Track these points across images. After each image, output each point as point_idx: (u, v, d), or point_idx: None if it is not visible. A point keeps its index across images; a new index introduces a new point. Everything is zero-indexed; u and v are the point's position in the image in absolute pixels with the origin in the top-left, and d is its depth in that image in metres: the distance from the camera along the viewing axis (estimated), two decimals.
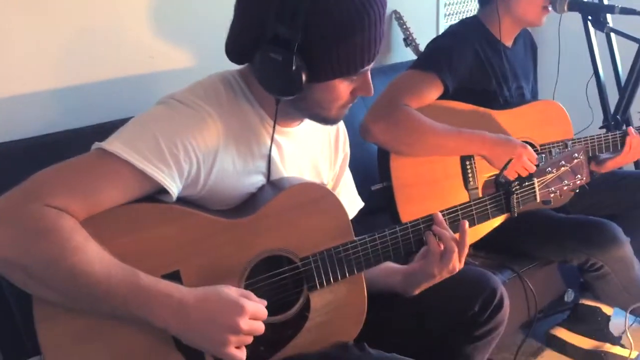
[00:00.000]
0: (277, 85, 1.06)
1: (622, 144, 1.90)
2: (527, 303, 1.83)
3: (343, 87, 1.10)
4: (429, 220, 1.23)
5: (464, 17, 3.15)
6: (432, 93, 1.78)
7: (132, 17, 1.86)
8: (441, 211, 1.25)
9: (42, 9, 1.65)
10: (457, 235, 1.22)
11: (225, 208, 1.14)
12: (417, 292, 1.26)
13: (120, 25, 1.83)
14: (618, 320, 2.02)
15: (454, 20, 3.30)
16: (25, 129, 1.63)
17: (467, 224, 1.23)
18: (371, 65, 1.10)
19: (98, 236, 0.96)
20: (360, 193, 1.49)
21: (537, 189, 1.34)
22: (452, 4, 3.27)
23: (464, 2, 3.37)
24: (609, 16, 1.99)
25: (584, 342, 1.98)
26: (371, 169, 1.84)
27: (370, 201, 1.56)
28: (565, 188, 1.38)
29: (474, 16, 1.97)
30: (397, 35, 2.79)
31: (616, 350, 1.94)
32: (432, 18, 3.09)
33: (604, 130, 2.43)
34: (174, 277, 1.03)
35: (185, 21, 2.00)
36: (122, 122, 1.73)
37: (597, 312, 1.97)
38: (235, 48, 1.12)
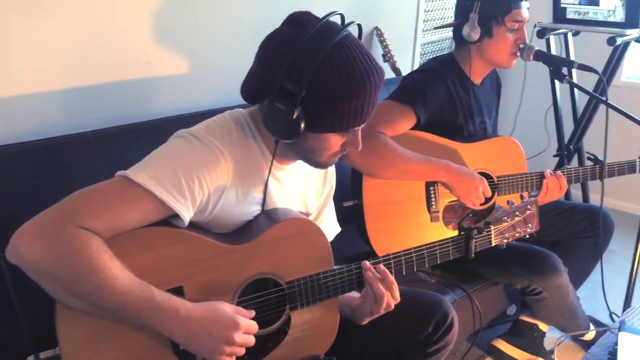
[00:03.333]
0: (278, 130, 1.21)
1: (539, 185, 2.05)
2: (473, 318, 2.04)
3: (335, 140, 1.26)
4: (398, 256, 1.40)
5: (441, 36, 3.35)
6: (406, 124, 1.94)
7: (130, 24, 1.92)
8: (406, 251, 1.42)
9: (42, 14, 1.70)
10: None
11: (225, 232, 1.30)
12: (364, 322, 1.41)
13: (119, 31, 1.90)
14: (552, 335, 2.26)
15: (431, 36, 3.48)
16: (23, 132, 1.70)
17: (382, 267, 1.35)
18: (363, 126, 1.26)
19: (118, 253, 1.11)
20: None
21: (492, 235, 1.53)
22: (430, 21, 3.44)
23: (441, 19, 3.55)
24: None
25: (520, 355, 2.21)
26: (345, 186, 2.00)
27: (342, 214, 1.72)
28: (517, 235, 1.56)
29: (449, 54, 2.13)
30: (377, 51, 2.94)
31: None
32: (410, 35, 3.24)
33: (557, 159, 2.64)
34: (178, 291, 1.19)
35: (183, 28, 2.07)
36: (122, 129, 1.85)
37: (534, 328, 2.19)
38: (249, 91, 1.27)
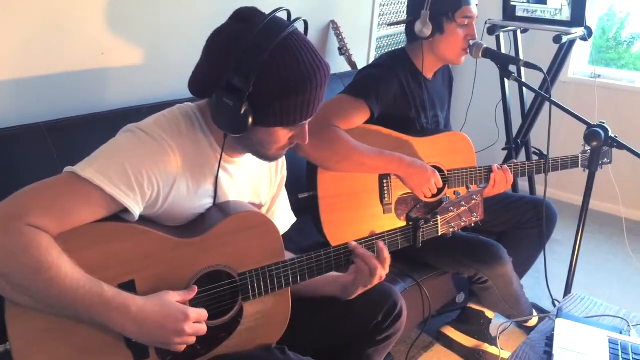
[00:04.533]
0: (226, 125, 1.23)
1: (487, 178, 2.13)
2: (423, 306, 2.11)
3: (283, 134, 1.29)
4: (346, 248, 1.45)
5: (396, 30, 3.40)
6: (360, 118, 1.99)
7: (84, 13, 1.90)
8: (359, 240, 1.47)
9: None
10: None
11: (177, 225, 1.31)
12: (353, 297, 1.49)
13: (72, 20, 1.87)
14: (497, 322, 2.35)
15: (387, 30, 3.53)
16: None
17: (382, 243, 1.47)
18: (309, 120, 1.29)
19: (68, 250, 1.12)
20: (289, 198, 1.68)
21: (439, 224, 1.59)
22: (385, 15, 3.49)
23: (396, 13, 3.61)
24: None
25: (467, 341, 2.30)
26: (300, 178, 2.03)
27: (297, 206, 1.76)
28: (462, 224, 1.63)
29: (402, 49, 2.18)
30: (333, 44, 2.98)
31: (492, 350, 2.25)
32: (366, 29, 3.28)
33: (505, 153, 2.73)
34: (129, 285, 1.20)
35: (139, 18, 2.06)
36: (75, 120, 1.84)
37: (480, 315, 2.28)
38: (196, 86, 1.28)
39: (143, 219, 1.25)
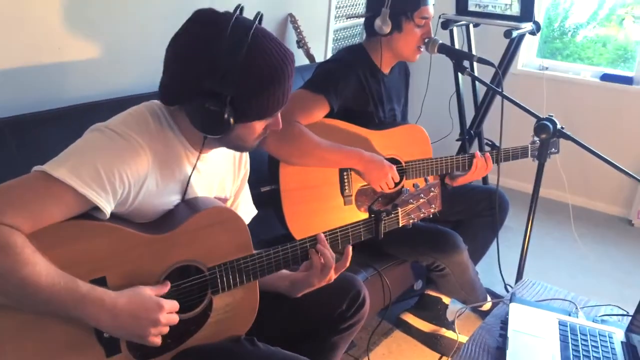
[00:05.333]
0: (209, 128, 1.27)
1: (470, 165, 2.25)
2: (383, 294, 2.18)
3: (259, 125, 1.34)
4: (314, 240, 1.49)
5: (353, 22, 3.45)
6: (320, 112, 2.03)
7: (39, 6, 1.87)
8: (324, 232, 1.52)
9: None
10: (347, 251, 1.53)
11: (146, 221, 1.33)
12: (299, 295, 1.54)
13: (27, 14, 1.84)
14: (453, 307, 2.45)
15: (343, 23, 3.57)
16: None
17: (350, 248, 1.52)
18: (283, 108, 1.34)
19: (40, 248, 1.13)
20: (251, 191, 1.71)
21: (400, 216, 1.65)
22: (342, 7, 3.53)
23: (353, 6, 3.65)
24: None
25: (425, 326, 2.39)
26: (262, 172, 2.06)
27: (258, 199, 1.79)
28: (422, 215, 1.69)
29: (360, 44, 2.23)
30: (291, 37, 3.00)
31: (449, 334, 2.35)
32: (323, 22, 3.32)
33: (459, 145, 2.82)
34: (101, 282, 1.22)
35: (95, 12, 2.04)
36: (33, 116, 1.81)
37: (438, 301, 2.37)
38: (170, 95, 1.31)
39: (113, 216, 1.26)
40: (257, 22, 1.27)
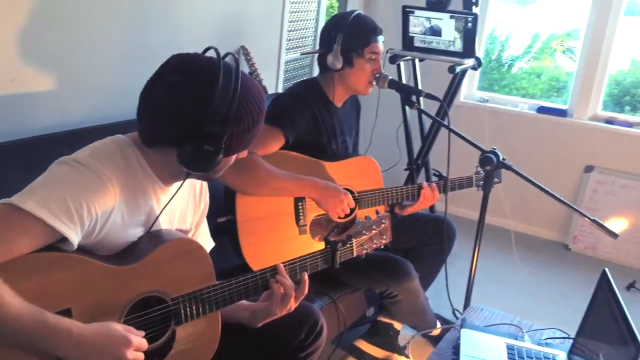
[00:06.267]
0: (201, 167, 1.32)
1: (418, 195, 2.34)
2: (338, 322, 2.22)
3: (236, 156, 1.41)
4: (274, 270, 1.54)
5: (303, 50, 3.53)
6: (276, 144, 2.09)
7: None
8: (283, 262, 1.56)
9: None
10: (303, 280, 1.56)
11: (110, 254, 1.35)
12: (260, 324, 1.57)
13: None
14: (405, 333, 2.52)
15: (294, 54, 3.66)
16: None
17: (306, 275, 1.57)
18: None
19: (7, 280, 1.13)
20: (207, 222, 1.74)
21: (354, 247, 1.72)
22: (293, 40, 3.62)
23: (303, 38, 3.75)
24: None
25: (378, 352, 2.44)
26: (218, 203, 2.08)
27: (214, 230, 1.81)
28: (374, 246, 1.76)
29: (314, 79, 2.32)
30: (244, 69, 3.06)
31: (401, 359, 2.42)
32: (275, 54, 3.40)
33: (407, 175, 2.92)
34: (66, 313, 1.23)
35: (51, 43, 2.04)
36: None
37: (390, 327, 2.43)
38: (153, 139, 1.34)
39: (78, 248, 1.27)
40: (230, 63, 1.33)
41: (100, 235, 1.30)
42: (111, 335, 1.21)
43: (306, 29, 3.74)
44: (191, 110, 1.27)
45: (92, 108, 2.21)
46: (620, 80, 4.63)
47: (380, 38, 2.21)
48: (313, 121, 2.20)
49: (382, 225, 1.76)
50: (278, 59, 3.43)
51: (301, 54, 3.61)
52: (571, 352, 1.64)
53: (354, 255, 1.73)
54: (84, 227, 1.24)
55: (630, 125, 3.75)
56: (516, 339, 1.69)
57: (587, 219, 2.07)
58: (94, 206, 1.24)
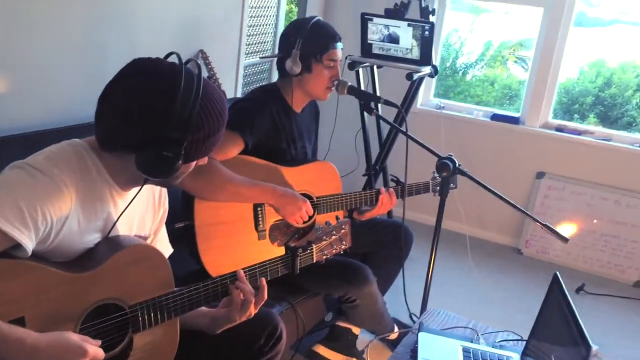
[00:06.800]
0: (160, 173, 1.30)
1: (376, 200, 2.37)
2: (297, 327, 2.23)
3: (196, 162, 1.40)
4: (234, 276, 1.53)
5: (261, 55, 3.53)
6: (234, 149, 2.09)
7: None
8: (243, 268, 1.56)
9: None
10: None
11: (66, 260, 1.32)
12: (219, 331, 1.56)
13: None
14: (363, 337, 2.54)
15: (253, 59, 3.66)
16: None
17: (264, 280, 1.56)
18: None
19: None
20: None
21: (314, 253, 1.73)
22: (252, 44, 3.62)
23: (262, 43, 3.75)
24: None
25: (337, 357, 2.45)
26: (175, 208, 2.06)
27: (172, 235, 1.78)
28: (334, 252, 1.78)
29: (274, 84, 2.33)
30: (203, 73, 3.03)
31: None
32: (234, 58, 3.38)
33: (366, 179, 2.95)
34: (19, 322, 1.19)
35: (4, 46, 1.99)
36: None
37: (348, 332, 2.44)
38: (112, 143, 1.32)
39: (32, 254, 1.24)
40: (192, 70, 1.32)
41: (55, 242, 1.27)
42: (66, 345, 1.18)
43: (265, 33, 3.75)
44: (151, 115, 1.26)
45: (49, 111, 2.16)
46: (569, 89, 4.79)
47: (339, 45, 2.23)
48: (272, 126, 2.20)
49: (342, 231, 1.78)
50: (237, 63, 3.42)
51: (260, 58, 3.61)
52: (524, 354, 1.68)
53: (314, 261, 1.74)
54: (39, 233, 1.21)
55: (579, 133, 3.88)
56: (472, 342, 1.72)
57: (538, 223, 2.13)
58: (49, 211, 1.21)
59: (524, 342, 1.72)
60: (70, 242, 1.31)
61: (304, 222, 2.17)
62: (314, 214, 2.21)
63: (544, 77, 3.88)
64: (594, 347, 1.29)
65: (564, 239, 2.12)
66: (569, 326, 1.41)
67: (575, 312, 1.43)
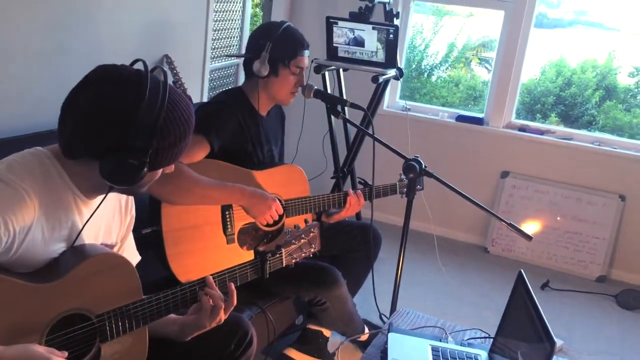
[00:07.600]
0: (124, 181, 1.28)
1: (344, 202, 2.38)
2: (268, 331, 2.22)
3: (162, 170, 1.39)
4: (202, 282, 1.52)
5: (228, 63, 3.52)
6: (201, 152, 2.08)
7: None
8: (212, 274, 1.55)
9: None
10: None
11: (30, 271, 1.30)
12: (189, 338, 1.55)
13: None
14: (334, 339, 2.55)
15: (219, 63, 3.64)
16: None
17: (233, 285, 1.56)
18: None
19: None
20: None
21: (283, 257, 1.73)
22: (218, 48, 3.60)
23: (228, 47, 3.74)
24: None
25: None
26: (142, 214, 2.04)
27: (139, 241, 1.76)
28: (303, 255, 1.78)
29: (239, 87, 2.33)
30: (168, 80, 3.00)
31: None
32: (199, 63, 3.36)
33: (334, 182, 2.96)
34: None
35: None
36: None
37: (319, 335, 2.45)
38: (75, 151, 1.29)
39: None
40: (157, 77, 1.31)
41: (19, 252, 1.25)
42: (31, 357, 1.15)
43: (231, 37, 3.73)
44: (116, 122, 1.25)
45: (10, 118, 2.12)
46: (531, 89, 4.89)
47: (307, 52, 2.25)
48: (238, 129, 2.20)
49: (311, 234, 1.78)
50: (202, 67, 3.40)
51: (226, 56, 3.59)
52: (492, 351, 1.71)
53: (284, 265, 1.74)
54: (1, 244, 1.19)
55: (541, 132, 3.97)
56: (440, 341, 1.75)
57: (503, 222, 2.17)
58: (11, 221, 1.19)
59: (492, 340, 1.75)
60: (35, 252, 1.28)
61: (274, 224, 2.16)
62: (283, 217, 2.21)
63: (506, 78, 3.96)
64: (559, 342, 1.32)
65: (528, 237, 2.16)
66: (534, 323, 1.44)
67: (540, 309, 1.46)
